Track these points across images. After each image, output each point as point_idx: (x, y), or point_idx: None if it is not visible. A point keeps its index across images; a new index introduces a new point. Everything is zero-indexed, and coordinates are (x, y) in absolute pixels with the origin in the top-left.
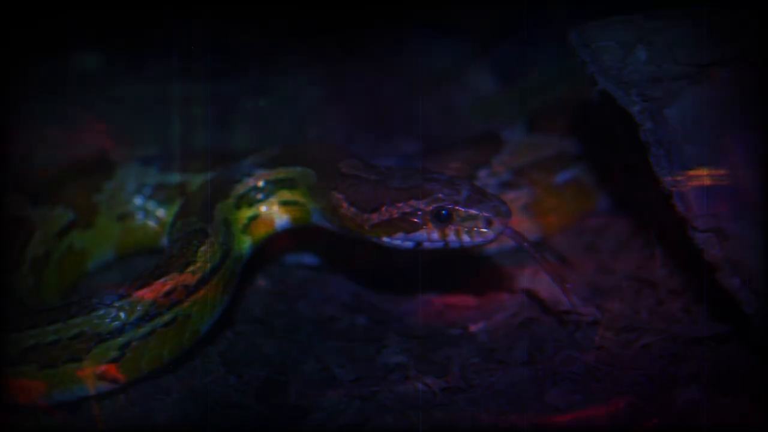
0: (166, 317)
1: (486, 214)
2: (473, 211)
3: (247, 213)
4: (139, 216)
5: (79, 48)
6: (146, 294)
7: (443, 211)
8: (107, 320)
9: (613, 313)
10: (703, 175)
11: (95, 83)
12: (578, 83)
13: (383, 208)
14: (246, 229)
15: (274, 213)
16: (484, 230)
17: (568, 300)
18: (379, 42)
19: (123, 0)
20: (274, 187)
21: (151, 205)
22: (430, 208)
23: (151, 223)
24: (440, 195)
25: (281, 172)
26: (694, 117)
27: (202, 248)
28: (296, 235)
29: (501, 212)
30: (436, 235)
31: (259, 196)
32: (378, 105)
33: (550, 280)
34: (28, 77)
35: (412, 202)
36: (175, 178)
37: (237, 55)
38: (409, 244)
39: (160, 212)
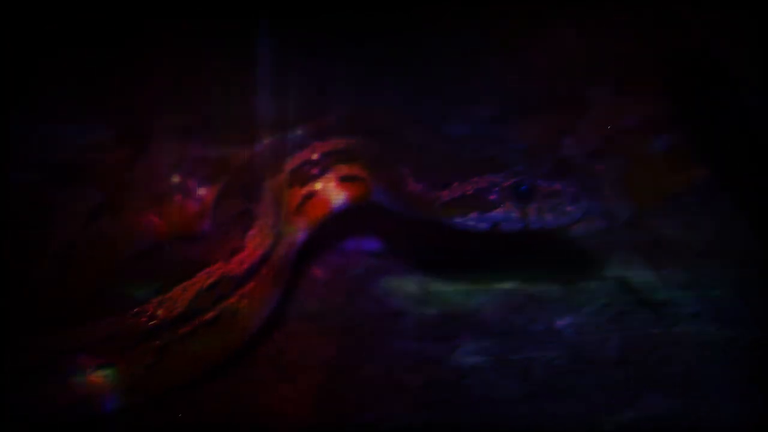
0: (210, 315)
1: (572, 190)
2: (557, 186)
3: (300, 191)
4: (178, 196)
5: None
6: (187, 288)
7: (523, 186)
8: (143, 320)
9: (717, 303)
10: None
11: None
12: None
13: (455, 184)
14: (299, 209)
15: (330, 190)
16: (570, 208)
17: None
18: None
19: None
20: (331, 160)
21: (190, 184)
22: (509, 183)
23: (192, 205)
24: (519, 168)
25: (338, 143)
26: None
27: (251, 233)
28: (356, 216)
29: (588, 187)
30: (515, 214)
31: (314, 171)
32: (445, 66)
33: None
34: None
35: (488, 177)
36: (218, 151)
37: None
38: (484, 225)
39: (202, 191)
